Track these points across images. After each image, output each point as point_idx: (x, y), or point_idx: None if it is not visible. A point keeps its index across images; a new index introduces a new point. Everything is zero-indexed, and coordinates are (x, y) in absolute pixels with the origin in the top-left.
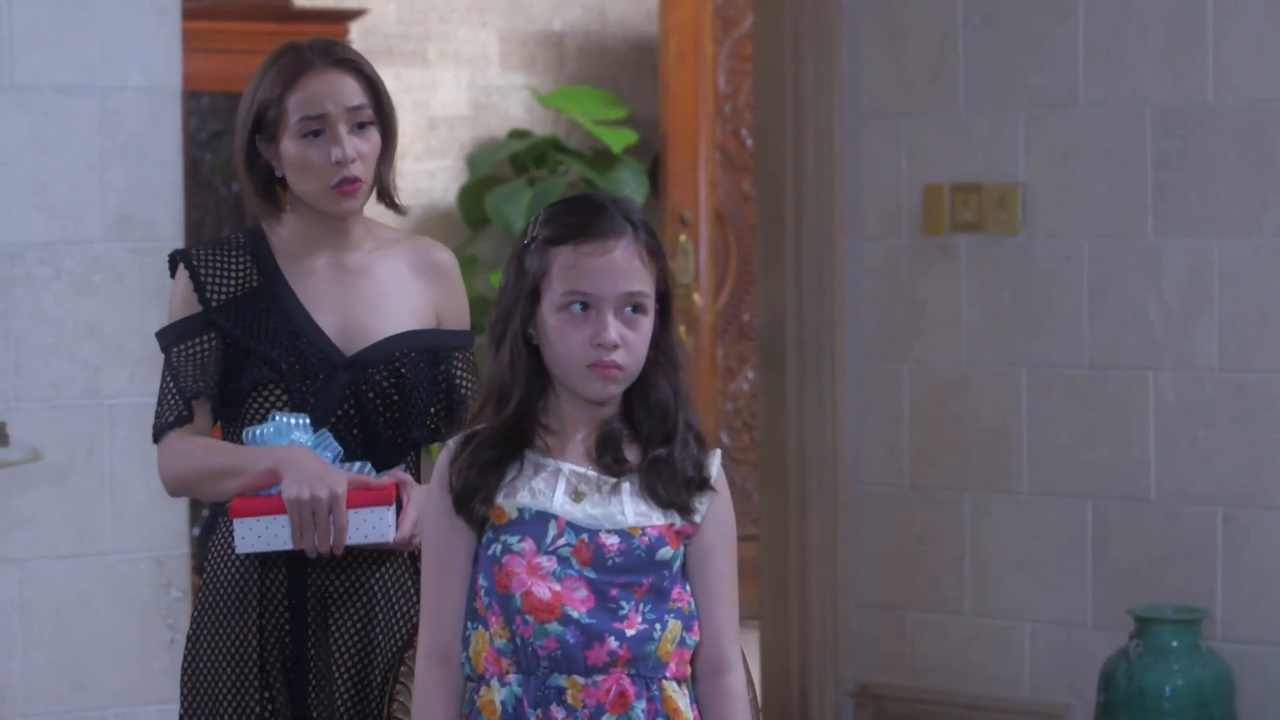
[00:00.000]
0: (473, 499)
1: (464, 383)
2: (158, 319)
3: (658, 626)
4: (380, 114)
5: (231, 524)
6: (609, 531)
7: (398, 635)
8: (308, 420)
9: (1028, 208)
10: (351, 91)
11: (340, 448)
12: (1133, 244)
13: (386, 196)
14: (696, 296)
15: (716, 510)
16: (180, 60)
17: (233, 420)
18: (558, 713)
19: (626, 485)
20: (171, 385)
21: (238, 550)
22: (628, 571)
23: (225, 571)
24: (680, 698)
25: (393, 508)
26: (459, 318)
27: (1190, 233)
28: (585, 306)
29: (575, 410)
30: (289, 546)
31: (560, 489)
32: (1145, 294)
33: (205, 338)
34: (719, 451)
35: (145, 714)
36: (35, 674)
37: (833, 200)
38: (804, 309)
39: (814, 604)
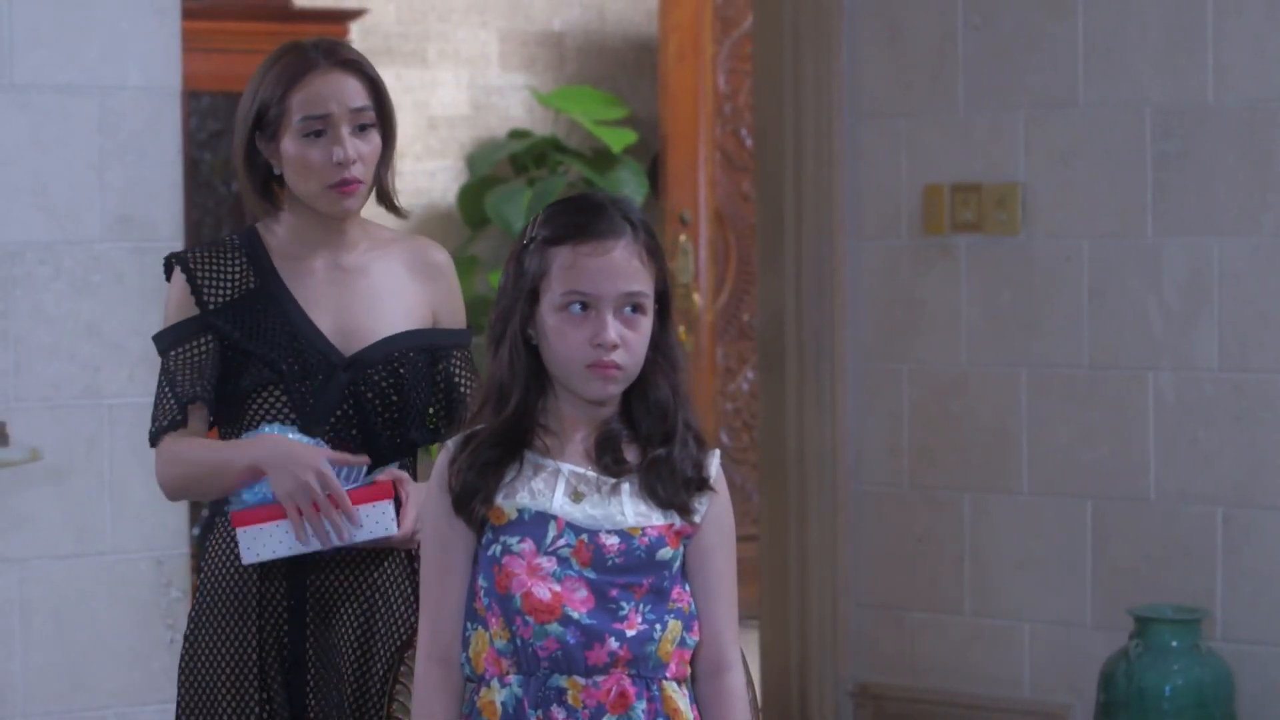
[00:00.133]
0: (472, 500)
1: (463, 381)
2: (157, 319)
3: (658, 627)
4: (382, 116)
5: (230, 524)
6: (609, 532)
7: (398, 635)
8: (297, 430)
9: (1027, 208)
10: (354, 93)
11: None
12: (1132, 244)
13: (387, 199)
14: (696, 296)
15: (716, 510)
16: (180, 60)
17: (232, 422)
18: (558, 713)
19: (626, 485)
20: (167, 390)
21: (244, 561)
22: (627, 572)
23: (223, 571)
24: (680, 698)
25: (393, 502)
26: (455, 317)
27: (1190, 233)
28: (584, 306)
29: (574, 410)
30: (294, 550)
31: (560, 489)
32: (1145, 294)
33: (202, 340)
34: (718, 452)
35: (145, 714)
36: (35, 674)
37: (832, 200)
38: (804, 309)
39: (814, 604)
